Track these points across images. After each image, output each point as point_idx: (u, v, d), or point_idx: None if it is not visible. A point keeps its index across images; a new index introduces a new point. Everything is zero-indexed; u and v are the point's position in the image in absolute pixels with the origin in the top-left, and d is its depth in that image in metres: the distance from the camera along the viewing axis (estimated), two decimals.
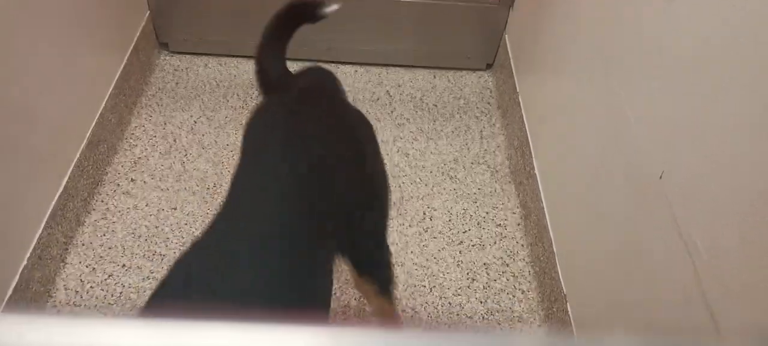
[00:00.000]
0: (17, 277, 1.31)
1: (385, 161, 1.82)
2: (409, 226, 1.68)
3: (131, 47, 1.90)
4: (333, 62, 2.16)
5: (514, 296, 1.55)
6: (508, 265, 1.62)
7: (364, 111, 1.98)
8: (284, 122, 0.95)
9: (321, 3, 1.10)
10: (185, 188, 1.71)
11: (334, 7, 1.10)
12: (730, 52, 0.84)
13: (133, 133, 1.85)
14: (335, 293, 1.46)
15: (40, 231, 1.40)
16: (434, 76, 2.17)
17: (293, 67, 2.25)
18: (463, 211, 1.73)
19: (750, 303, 0.77)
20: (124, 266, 1.52)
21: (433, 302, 1.51)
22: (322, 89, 1.11)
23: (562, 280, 1.41)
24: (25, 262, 1.34)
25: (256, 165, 0.89)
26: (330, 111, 1.02)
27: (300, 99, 1.03)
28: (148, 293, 1.46)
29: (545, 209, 1.56)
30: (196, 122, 1.91)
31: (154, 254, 1.55)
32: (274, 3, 2.08)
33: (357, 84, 2.10)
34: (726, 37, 0.85)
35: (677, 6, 0.99)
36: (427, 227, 1.67)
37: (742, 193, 0.79)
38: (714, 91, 0.87)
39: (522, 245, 1.67)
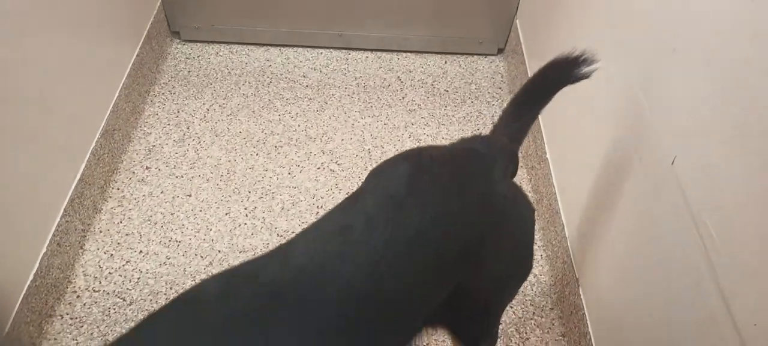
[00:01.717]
0: (37, 264, 1.34)
1: (398, 149, 1.83)
2: None
3: (144, 36, 1.92)
4: (344, 49, 2.17)
5: (526, 280, 1.55)
6: None
7: (376, 99, 1.99)
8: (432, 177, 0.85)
9: (585, 61, 1.01)
10: (199, 175, 1.73)
11: (596, 65, 1.02)
12: (745, 37, 0.83)
13: (146, 122, 1.87)
14: None
15: (58, 219, 1.43)
16: (445, 62, 2.16)
17: (304, 53, 2.26)
18: None
19: (764, 288, 0.77)
20: (141, 252, 1.54)
21: None
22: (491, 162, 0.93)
23: (574, 264, 1.42)
24: (44, 249, 1.37)
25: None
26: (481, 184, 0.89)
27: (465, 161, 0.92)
28: (165, 279, 1.48)
29: (557, 194, 1.56)
30: (208, 110, 1.92)
31: (170, 241, 1.57)
32: None
33: (368, 70, 2.11)
34: (741, 21, 0.85)
35: None
36: None
37: (755, 178, 0.79)
38: (728, 76, 0.87)
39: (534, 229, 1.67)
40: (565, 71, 1.03)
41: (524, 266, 1.01)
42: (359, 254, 0.72)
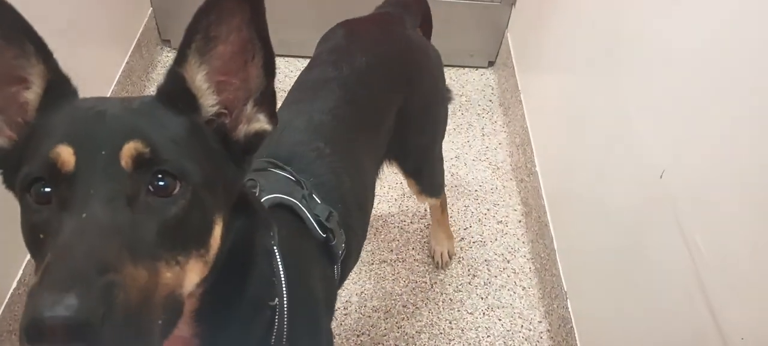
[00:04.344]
0: (21, 271, 1.32)
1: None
2: (411, 223, 1.68)
3: (134, 44, 1.91)
4: None
5: (514, 293, 1.55)
6: (509, 261, 1.62)
7: None
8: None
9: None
10: None
11: None
12: (734, 51, 0.84)
13: None
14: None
15: None
16: None
17: (294, 63, 2.25)
18: (465, 207, 1.74)
19: (753, 302, 0.77)
20: None
21: (434, 298, 1.52)
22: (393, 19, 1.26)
23: (562, 276, 1.42)
24: (28, 256, 1.34)
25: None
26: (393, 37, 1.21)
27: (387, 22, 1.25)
28: None
29: (546, 206, 1.56)
30: None
31: None
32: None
33: None
34: (730, 36, 0.86)
35: (682, 4, 0.99)
36: (429, 224, 1.68)
37: (744, 192, 0.79)
38: (717, 90, 0.87)
39: (523, 242, 1.67)
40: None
41: (441, 95, 1.29)
42: (336, 86, 1.04)
